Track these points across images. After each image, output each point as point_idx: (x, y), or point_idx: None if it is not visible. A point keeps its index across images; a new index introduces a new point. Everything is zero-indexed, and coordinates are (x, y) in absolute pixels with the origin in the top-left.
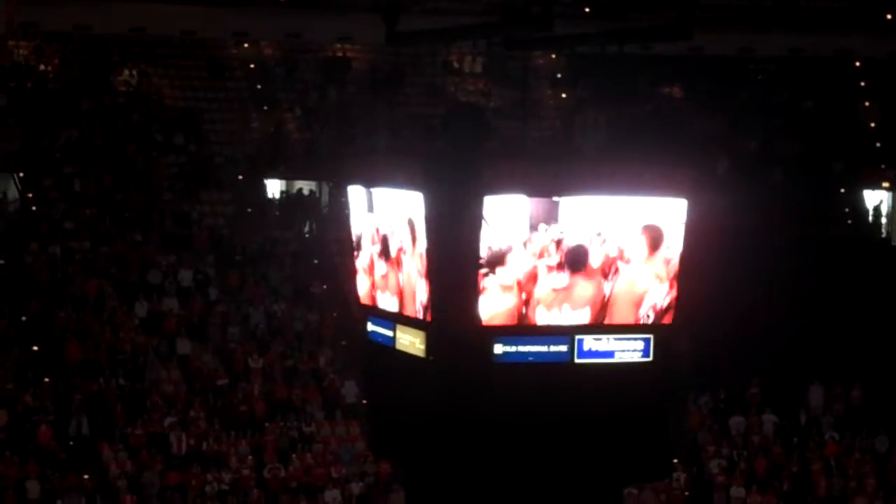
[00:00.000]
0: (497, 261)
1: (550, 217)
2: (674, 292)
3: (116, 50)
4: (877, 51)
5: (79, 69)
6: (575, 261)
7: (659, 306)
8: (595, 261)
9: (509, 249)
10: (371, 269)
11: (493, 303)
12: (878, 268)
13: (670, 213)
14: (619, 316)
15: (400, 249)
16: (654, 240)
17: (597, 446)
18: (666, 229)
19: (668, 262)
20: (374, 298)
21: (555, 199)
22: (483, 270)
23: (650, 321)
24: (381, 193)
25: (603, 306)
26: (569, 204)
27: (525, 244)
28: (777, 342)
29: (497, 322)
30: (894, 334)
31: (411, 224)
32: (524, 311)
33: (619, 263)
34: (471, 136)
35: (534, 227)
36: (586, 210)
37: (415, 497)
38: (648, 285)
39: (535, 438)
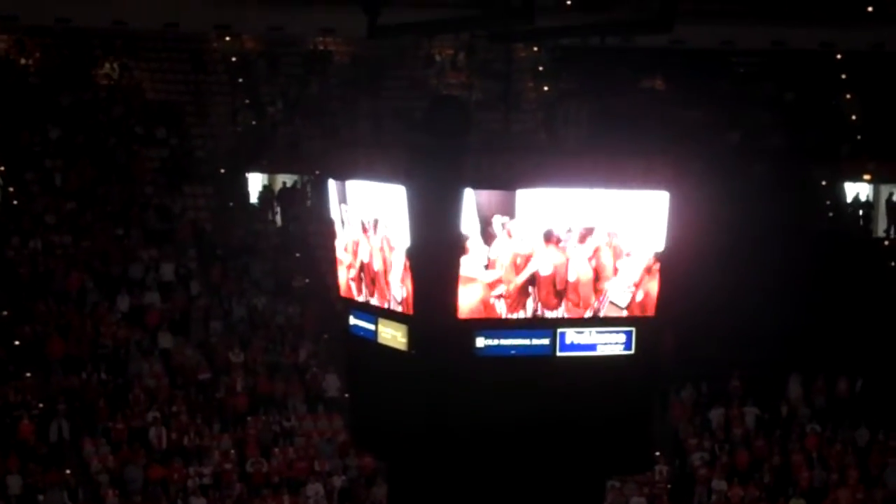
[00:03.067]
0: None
1: (506, 209)
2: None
3: (98, 43)
4: (859, 43)
5: (60, 63)
6: None
7: (612, 296)
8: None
9: (467, 238)
10: (351, 262)
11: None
12: (858, 260)
13: (621, 203)
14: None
15: (379, 241)
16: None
17: (579, 439)
18: (600, 221)
19: (598, 251)
20: (354, 292)
21: (518, 191)
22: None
23: (605, 312)
24: (363, 187)
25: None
26: (525, 196)
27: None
28: (758, 334)
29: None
30: (875, 326)
31: (391, 217)
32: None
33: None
34: (453, 128)
35: (486, 221)
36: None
37: (397, 491)
38: (581, 273)
39: (517, 432)
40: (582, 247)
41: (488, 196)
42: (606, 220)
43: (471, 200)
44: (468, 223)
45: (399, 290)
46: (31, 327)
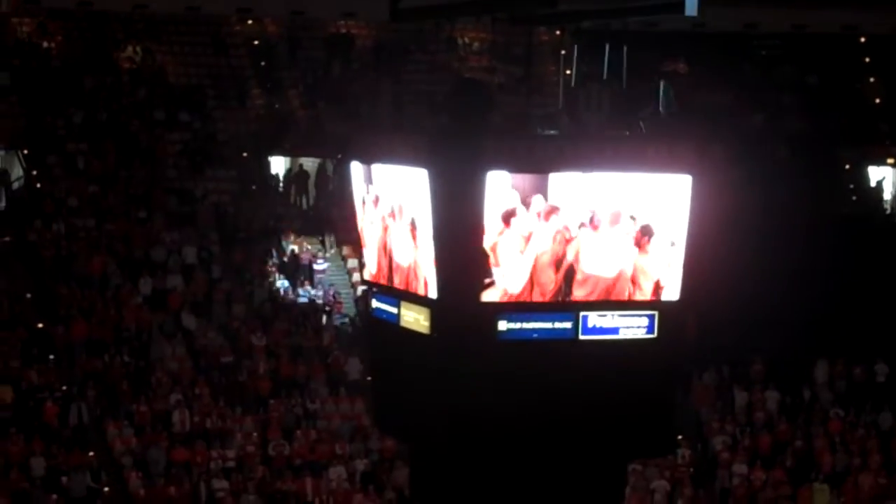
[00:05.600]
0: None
1: (540, 190)
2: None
3: (120, 27)
4: (882, 27)
5: (82, 46)
6: None
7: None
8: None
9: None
10: (374, 244)
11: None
12: (881, 244)
13: (648, 187)
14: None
15: (402, 225)
16: (615, 214)
17: (601, 423)
18: (631, 204)
19: (635, 236)
20: (377, 275)
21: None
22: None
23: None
24: (385, 170)
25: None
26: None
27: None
28: (780, 318)
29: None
30: None
31: (412, 201)
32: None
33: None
34: (474, 111)
35: (525, 203)
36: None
37: (419, 474)
38: (613, 257)
39: (539, 415)
40: (608, 231)
41: (523, 178)
42: (630, 204)
43: (507, 182)
44: (506, 205)
45: (423, 274)
46: (55, 310)
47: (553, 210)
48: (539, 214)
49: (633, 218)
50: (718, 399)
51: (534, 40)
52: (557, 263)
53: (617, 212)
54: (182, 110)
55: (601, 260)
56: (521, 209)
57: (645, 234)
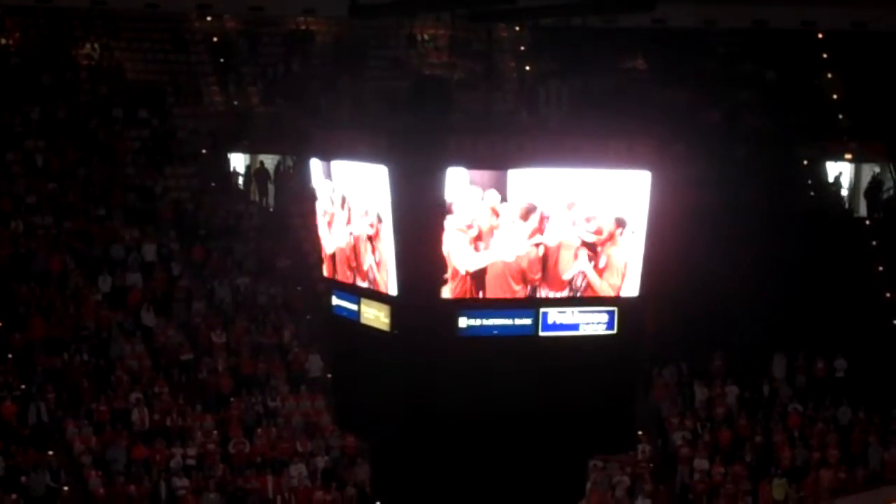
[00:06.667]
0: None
1: (498, 188)
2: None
3: (78, 23)
4: (840, 22)
5: (40, 43)
6: None
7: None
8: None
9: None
10: (335, 241)
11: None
12: (840, 240)
13: (602, 182)
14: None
15: (362, 222)
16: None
17: (562, 419)
18: (586, 198)
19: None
20: (338, 272)
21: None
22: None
23: (579, 292)
24: (344, 166)
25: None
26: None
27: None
28: (740, 314)
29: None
30: (855, 306)
31: (372, 198)
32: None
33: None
34: (434, 109)
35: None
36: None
37: (380, 471)
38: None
39: (499, 412)
40: (567, 224)
41: (480, 175)
42: (588, 198)
43: (464, 178)
44: (464, 198)
45: (383, 271)
46: (13, 309)
47: (531, 209)
48: (515, 213)
49: (595, 215)
50: (678, 395)
51: (494, 36)
52: (529, 260)
53: (571, 202)
54: (141, 107)
55: (566, 252)
56: (463, 200)
57: (619, 225)
